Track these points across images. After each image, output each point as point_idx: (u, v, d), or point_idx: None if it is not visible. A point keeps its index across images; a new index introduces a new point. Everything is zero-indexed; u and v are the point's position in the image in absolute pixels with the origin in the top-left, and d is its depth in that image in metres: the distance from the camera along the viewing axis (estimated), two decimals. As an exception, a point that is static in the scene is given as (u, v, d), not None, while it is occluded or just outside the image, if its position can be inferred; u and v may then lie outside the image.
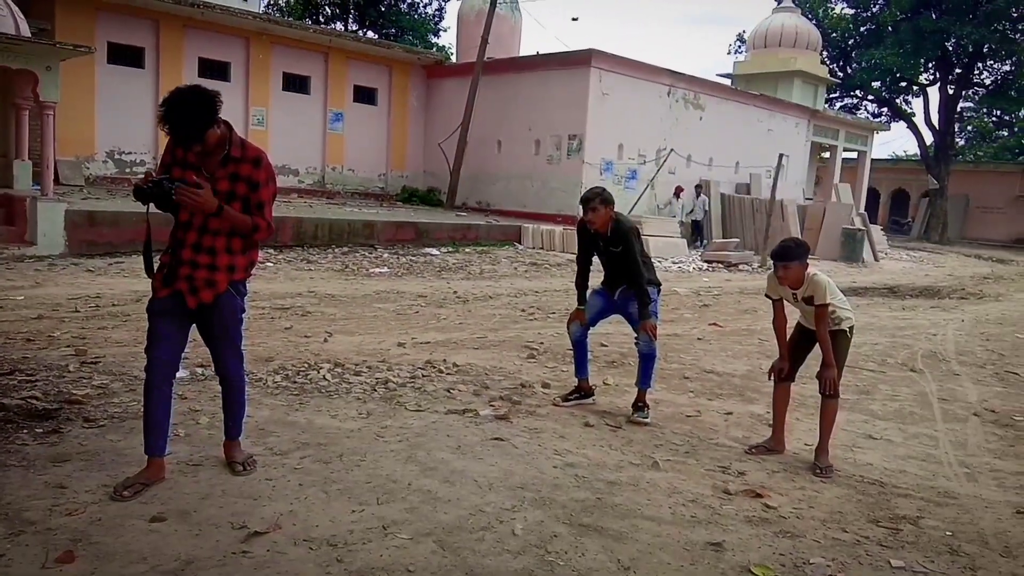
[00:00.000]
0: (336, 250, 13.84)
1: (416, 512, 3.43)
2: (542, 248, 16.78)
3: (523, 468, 4.04)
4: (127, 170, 17.14)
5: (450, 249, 15.31)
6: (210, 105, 3.24)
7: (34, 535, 2.95)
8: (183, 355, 3.66)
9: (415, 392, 5.39)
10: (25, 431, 4.05)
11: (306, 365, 5.91)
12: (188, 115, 3.20)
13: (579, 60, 19.20)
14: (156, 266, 3.56)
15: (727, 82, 28.28)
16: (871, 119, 35.43)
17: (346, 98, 21.08)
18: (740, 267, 16.70)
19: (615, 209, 5.07)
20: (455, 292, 10.46)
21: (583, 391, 5.39)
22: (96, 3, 16.31)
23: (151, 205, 3.34)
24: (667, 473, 4.13)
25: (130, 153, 17.36)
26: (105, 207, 12.26)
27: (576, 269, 5.34)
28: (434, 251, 14.81)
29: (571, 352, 5.49)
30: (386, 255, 13.91)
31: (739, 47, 34.74)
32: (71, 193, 13.59)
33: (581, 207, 5.05)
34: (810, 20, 31.19)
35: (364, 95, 21.58)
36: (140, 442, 3.58)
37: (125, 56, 17.07)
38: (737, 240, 18.94)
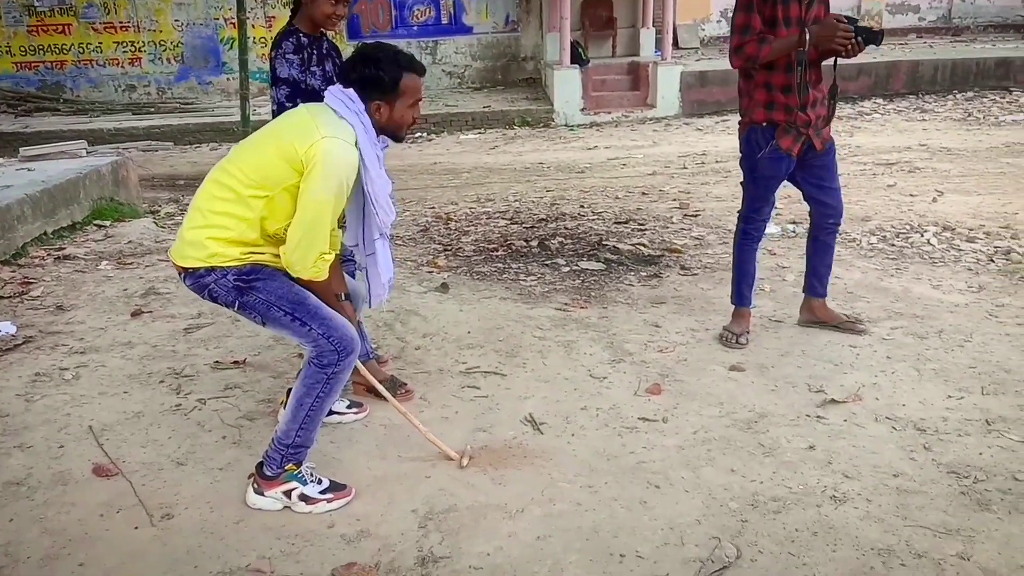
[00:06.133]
0: (958, 96, 11.91)
1: (1034, 412, 2.81)
2: None
3: None
4: (738, 28, 17.40)
5: (1125, 87, 11.77)
6: None
7: (631, 365, 3.33)
8: (774, 211, 3.59)
9: (1049, 267, 4.38)
10: (632, 273, 4.57)
11: (908, 227, 5.30)
12: None
13: None
14: None
15: None
16: None
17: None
18: None
19: None
20: None
21: None
22: None
23: None
24: None
25: (740, 10, 17.51)
26: (715, 67, 12.70)
27: None
28: (1099, 91, 11.57)
29: None
30: (1025, 99, 11.43)
31: None
32: (687, 56, 14.44)
33: None
34: None
35: None
36: (727, 292, 3.69)
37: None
38: None
